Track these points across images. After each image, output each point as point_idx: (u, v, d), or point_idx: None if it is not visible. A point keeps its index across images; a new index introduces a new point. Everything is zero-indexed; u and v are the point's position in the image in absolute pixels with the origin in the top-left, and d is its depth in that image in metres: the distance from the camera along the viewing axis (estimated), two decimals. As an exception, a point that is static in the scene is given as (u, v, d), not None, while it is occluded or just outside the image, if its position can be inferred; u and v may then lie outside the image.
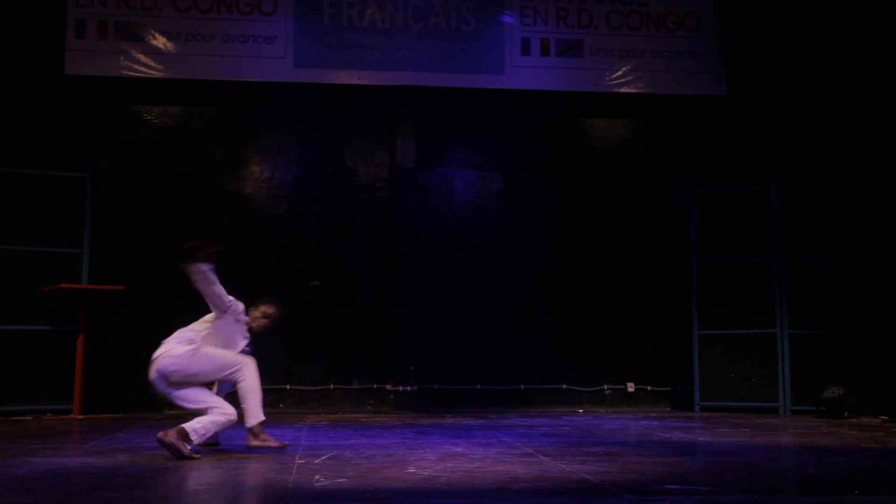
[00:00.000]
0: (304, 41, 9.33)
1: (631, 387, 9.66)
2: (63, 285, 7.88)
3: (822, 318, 8.76)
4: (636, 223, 9.84)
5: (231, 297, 5.61)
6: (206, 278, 5.36)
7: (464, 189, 9.82)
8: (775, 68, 9.65)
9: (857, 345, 8.64)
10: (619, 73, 9.67)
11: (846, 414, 8.02)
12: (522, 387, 9.51)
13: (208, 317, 5.68)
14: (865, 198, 8.75)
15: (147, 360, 9.10)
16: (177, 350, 5.40)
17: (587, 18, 9.69)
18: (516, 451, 5.39)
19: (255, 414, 5.36)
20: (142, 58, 9.07)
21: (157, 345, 9.13)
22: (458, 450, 5.40)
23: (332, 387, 9.31)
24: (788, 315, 8.81)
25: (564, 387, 9.55)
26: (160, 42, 9.11)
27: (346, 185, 9.62)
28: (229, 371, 5.39)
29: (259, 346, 9.31)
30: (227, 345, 5.54)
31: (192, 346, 5.40)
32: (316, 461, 4.80)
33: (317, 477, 4.19)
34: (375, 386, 9.32)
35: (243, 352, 5.60)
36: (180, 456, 4.85)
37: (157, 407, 8.94)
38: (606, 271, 9.76)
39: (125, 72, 9.05)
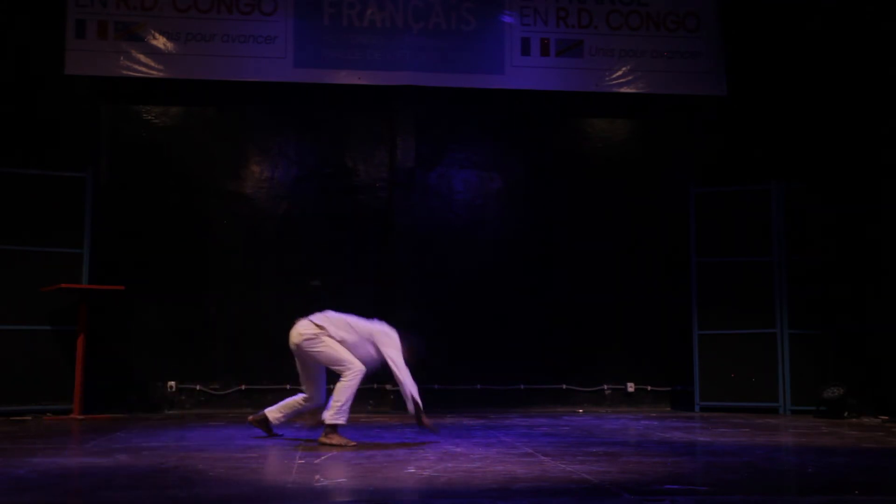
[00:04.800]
0: (304, 41, 9.33)
1: (631, 387, 9.66)
2: (63, 285, 7.88)
3: (822, 318, 8.75)
4: (636, 223, 9.84)
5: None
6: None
7: (464, 189, 9.82)
8: (775, 68, 9.65)
9: (857, 345, 8.63)
10: (619, 73, 9.67)
11: (846, 414, 8.02)
12: (522, 387, 9.51)
13: (363, 325, 5.99)
14: (865, 198, 8.75)
15: (147, 360, 9.17)
16: (304, 328, 5.88)
17: (587, 18, 9.69)
18: (516, 451, 5.39)
19: (339, 415, 5.67)
20: (142, 58, 9.07)
21: (156, 345, 9.22)
22: (458, 450, 5.40)
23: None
24: (788, 315, 8.81)
25: (564, 387, 9.55)
26: (160, 42, 9.12)
27: (346, 185, 9.62)
28: (338, 367, 5.75)
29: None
30: (353, 349, 5.86)
31: (317, 332, 5.82)
32: (316, 461, 4.80)
33: (317, 477, 4.19)
34: (375, 386, 9.30)
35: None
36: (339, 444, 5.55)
37: (157, 407, 8.98)
38: (606, 271, 9.75)
39: (125, 72, 9.06)
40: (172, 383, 9.09)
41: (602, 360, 9.68)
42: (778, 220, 8.94)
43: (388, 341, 5.89)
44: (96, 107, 9.26)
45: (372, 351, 5.89)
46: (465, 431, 6.65)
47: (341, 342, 5.83)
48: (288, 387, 9.24)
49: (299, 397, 6.18)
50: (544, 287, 9.69)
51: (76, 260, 8.30)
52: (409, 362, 5.95)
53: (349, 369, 5.75)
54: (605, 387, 9.67)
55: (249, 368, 9.22)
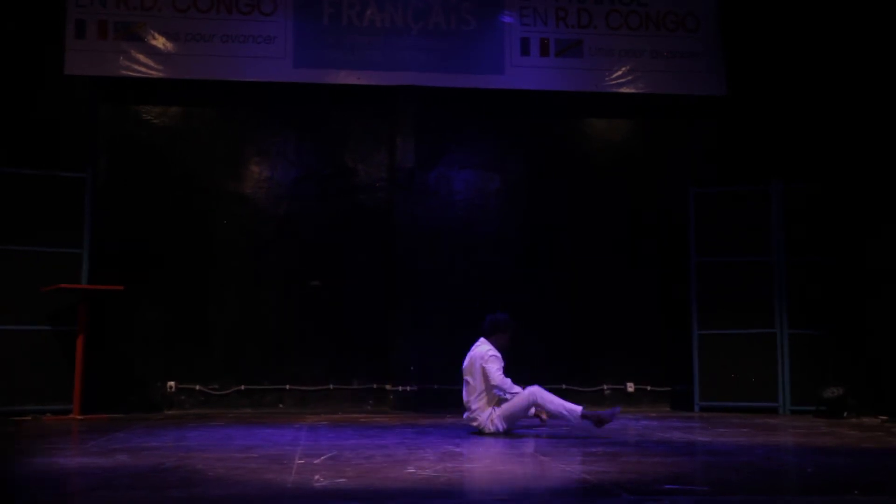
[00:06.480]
0: (303, 41, 9.32)
1: (630, 387, 9.66)
2: (63, 285, 7.87)
3: (822, 318, 8.75)
4: (636, 223, 9.84)
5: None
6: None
7: (464, 189, 9.81)
8: (775, 68, 9.65)
9: (857, 345, 8.63)
10: (619, 72, 9.66)
11: (846, 414, 8.02)
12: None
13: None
14: (865, 198, 8.74)
15: (147, 360, 9.18)
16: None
17: (586, 18, 9.69)
18: (516, 451, 5.40)
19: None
20: (141, 58, 9.07)
21: (156, 345, 9.22)
22: (458, 450, 5.40)
23: (331, 387, 9.31)
24: (788, 315, 8.81)
25: (564, 387, 9.53)
26: (160, 42, 9.11)
27: (346, 186, 9.62)
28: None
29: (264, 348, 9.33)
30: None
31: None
32: (316, 461, 4.80)
33: (317, 477, 4.19)
34: (375, 386, 9.32)
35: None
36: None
37: (157, 407, 8.98)
38: (606, 271, 9.75)
39: (125, 72, 9.05)
40: (172, 383, 9.09)
41: (602, 360, 9.68)
42: (777, 219, 8.94)
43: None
44: (96, 107, 9.26)
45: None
46: (465, 431, 6.65)
47: None
48: (287, 387, 9.26)
49: None
50: (544, 287, 9.69)
51: (76, 260, 8.30)
52: None
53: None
54: (605, 387, 9.67)
55: (249, 369, 9.22)
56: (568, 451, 5.33)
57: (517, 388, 6.41)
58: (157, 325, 9.16)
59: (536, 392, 6.36)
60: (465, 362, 6.71)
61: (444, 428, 6.97)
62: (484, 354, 6.57)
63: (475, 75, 9.51)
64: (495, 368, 6.46)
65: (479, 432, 6.52)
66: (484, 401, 6.53)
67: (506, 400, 6.46)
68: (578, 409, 6.26)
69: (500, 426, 6.44)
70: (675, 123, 10.01)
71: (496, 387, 6.41)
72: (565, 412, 6.26)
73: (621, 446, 5.67)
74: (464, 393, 6.66)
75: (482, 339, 6.79)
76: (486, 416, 6.50)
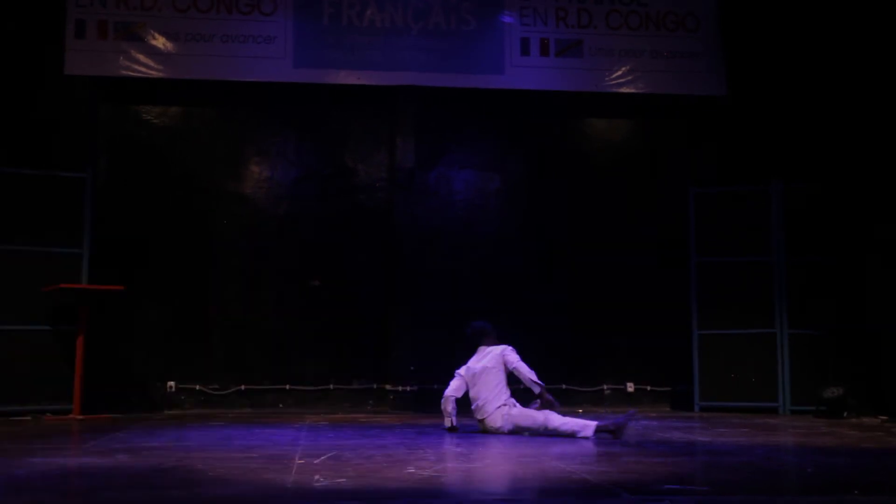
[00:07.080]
0: (303, 41, 9.32)
1: (630, 387, 9.66)
2: (63, 285, 7.87)
3: (822, 318, 8.76)
4: (636, 223, 9.84)
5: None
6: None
7: (463, 189, 9.81)
8: (775, 68, 9.65)
9: (857, 345, 8.63)
10: (619, 72, 9.66)
11: (846, 414, 8.02)
12: (522, 387, 9.48)
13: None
14: (865, 198, 8.75)
15: (147, 360, 9.18)
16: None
17: (586, 18, 9.69)
18: (516, 451, 5.39)
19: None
20: (141, 58, 9.07)
21: (156, 345, 9.21)
22: (458, 450, 5.40)
23: (331, 387, 9.31)
24: (788, 315, 8.81)
25: (564, 387, 9.54)
26: (160, 42, 9.11)
27: (346, 186, 9.62)
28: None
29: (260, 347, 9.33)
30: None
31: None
32: (316, 461, 4.79)
33: (317, 477, 4.19)
34: (375, 386, 9.32)
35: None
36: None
37: (157, 407, 8.98)
38: (605, 271, 9.75)
39: (125, 72, 9.05)
40: (172, 383, 9.10)
41: (602, 360, 9.68)
42: (777, 219, 8.94)
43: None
44: (96, 107, 9.26)
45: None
46: (464, 432, 6.65)
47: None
48: (287, 387, 9.26)
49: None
50: (544, 287, 9.69)
51: (76, 260, 8.30)
52: None
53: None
54: (605, 387, 9.67)
55: (249, 368, 9.22)
56: (568, 451, 5.32)
57: (539, 382, 6.49)
58: (157, 325, 9.16)
59: (550, 419, 6.31)
60: (477, 368, 6.67)
61: (443, 428, 6.97)
62: (503, 349, 6.67)
63: (475, 75, 9.52)
64: (517, 357, 6.59)
65: (481, 428, 6.52)
66: (497, 392, 6.52)
67: (515, 408, 6.52)
68: (592, 424, 6.14)
69: (506, 426, 6.44)
70: (675, 123, 10.01)
71: (518, 370, 6.52)
72: (578, 428, 6.17)
73: (621, 446, 5.67)
74: (471, 391, 6.67)
75: (482, 347, 6.79)
76: (495, 408, 6.48)
